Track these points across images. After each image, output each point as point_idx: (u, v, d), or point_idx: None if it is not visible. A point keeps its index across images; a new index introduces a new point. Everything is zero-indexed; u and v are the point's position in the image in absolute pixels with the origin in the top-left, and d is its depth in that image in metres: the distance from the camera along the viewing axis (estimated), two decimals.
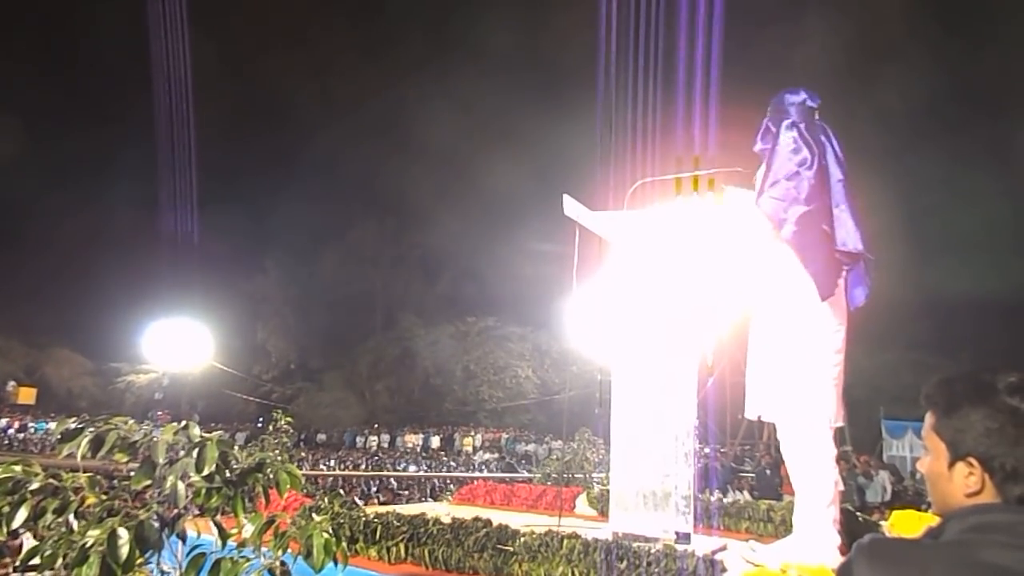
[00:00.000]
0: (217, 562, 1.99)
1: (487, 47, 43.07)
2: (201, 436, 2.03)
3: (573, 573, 3.51)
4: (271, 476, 2.15)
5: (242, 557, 2.03)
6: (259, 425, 30.84)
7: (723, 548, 3.96)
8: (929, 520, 3.87)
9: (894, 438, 19.11)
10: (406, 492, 17.50)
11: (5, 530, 1.91)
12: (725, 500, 6.11)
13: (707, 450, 13.26)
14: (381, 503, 13.55)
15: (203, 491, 2.05)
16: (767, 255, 3.74)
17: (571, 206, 4.43)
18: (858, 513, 4.82)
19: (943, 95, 30.62)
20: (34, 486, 1.99)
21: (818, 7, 32.51)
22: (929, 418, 1.28)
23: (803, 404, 3.39)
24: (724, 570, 3.41)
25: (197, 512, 2.16)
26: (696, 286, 4.28)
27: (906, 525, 3.66)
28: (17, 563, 2.08)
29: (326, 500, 4.62)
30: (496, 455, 27.05)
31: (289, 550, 2.11)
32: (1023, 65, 27.44)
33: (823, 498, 3.39)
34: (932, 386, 1.29)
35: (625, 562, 3.45)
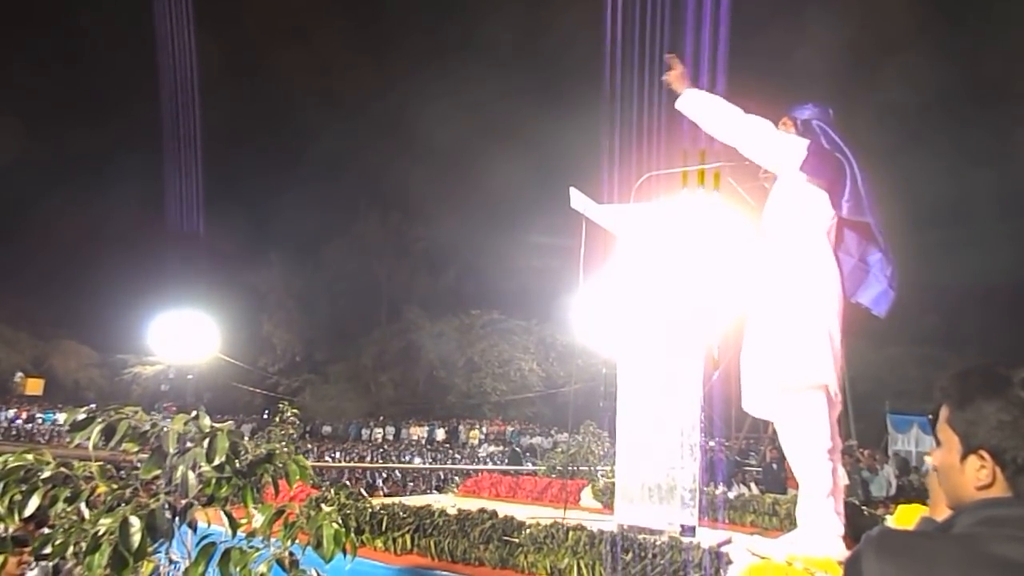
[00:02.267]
0: (227, 552, 2.00)
1: (492, 40, 43.04)
2: (212, 426, 2.04)
3: (578, 564, 3.52)
4: (280, 467, 2.16)
5: (251, 547, 2.04)
6: (265, 417, 30.96)
7: (728, 541, 3.97)
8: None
9: (899, 432, 19.09)
10: (411, 484, 17.56)
11: (18, 518, 1.93)
12: (730, 494, 6.12)
13: (712, 443, 13.27)
14: (387, 495, 13.60)
15: (213, 481, 2.07)
16: (768, 251, 3.75)
17: (577, 199, 4.43)
18: (863, 507, 4.83)
19: (949, 89, 30.49)
20: (45, 474, 2.01)
21: (823, 2, 32.36)
22: (943, 411, 1.28)
23: (800, 394, 3.41)
24: (729, 563, 3.41)
25: (206, 502, 2.18)
26: (702, 279, 4.28)
27: (910, 519, 3.66)
28: (28, 551, 2.10)
29: (332, 491, 4.64)
30: (501, 447, 27.10)
31: (297, 540, 2.13)
32: None
33: (823, 489, 3.40)
34: (946, 379, 1.29)
35: (630, 554, 3.46)
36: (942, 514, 1.27)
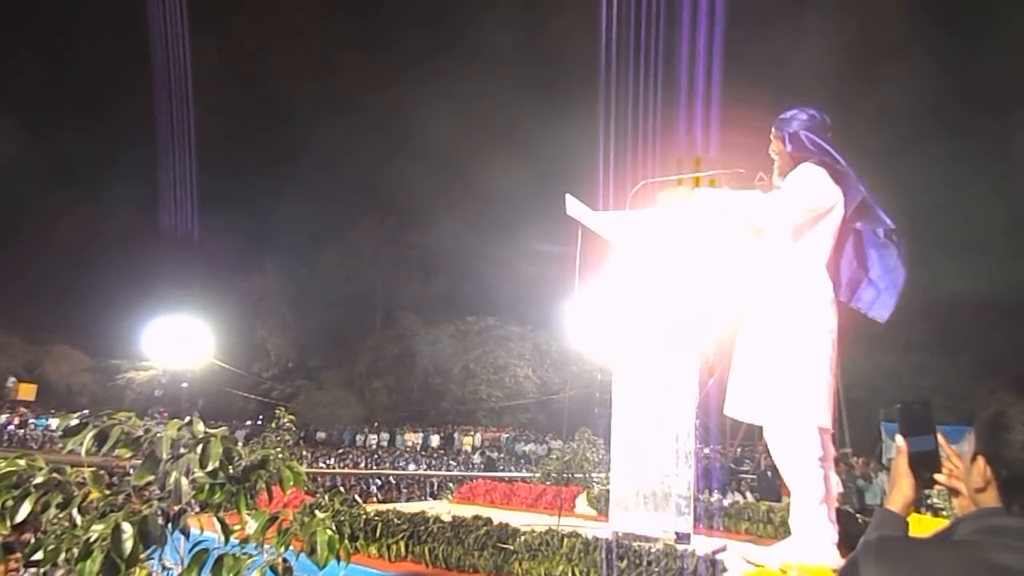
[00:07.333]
0: (220, 558, 1.99)
1: (487, 46, 43.25)
2: (205, 432, 2.03)
3: (573, 572, 3.51)
4: (274, 473, 2.15)
5: (245, 553, 2.03)
6: (259, 423, 30.86)
7: (723, 548, 3.97)
8: (929, 523, 3.88)
9: (893, 440, 19.09)
10: (406, 490, 17.51)
11: (9, 524, 1.91)
12: (725, 501, 6.12)
13: (707, 451, 13.27)
14: (381, 501, 13.56)
15: (206, 487, 2.06)
16: (761, 255, 3.75)
17: (573, 206, 4.44)
18: (858, 515, 4.83)
19: (944, 95, 30.68)
20: (38, 480, 2.00)
21: (819, 7, 32.56)
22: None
23: (789, 405, 3.40)
24: (724, 570, 3.41)
25: (199, 508, 2.17)
26: (697, 286, 4.29)
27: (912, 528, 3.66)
28: (19, 557, 2.08)
29: (326, 498, 4.62)
30: (496, 454, 27.06)
31: (291, 547, 2.12)
32: None
33: (814, 497, 3.39)
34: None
35: (625, 561, 3.45)
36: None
